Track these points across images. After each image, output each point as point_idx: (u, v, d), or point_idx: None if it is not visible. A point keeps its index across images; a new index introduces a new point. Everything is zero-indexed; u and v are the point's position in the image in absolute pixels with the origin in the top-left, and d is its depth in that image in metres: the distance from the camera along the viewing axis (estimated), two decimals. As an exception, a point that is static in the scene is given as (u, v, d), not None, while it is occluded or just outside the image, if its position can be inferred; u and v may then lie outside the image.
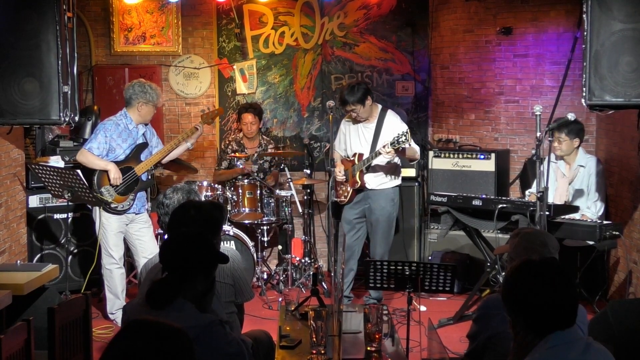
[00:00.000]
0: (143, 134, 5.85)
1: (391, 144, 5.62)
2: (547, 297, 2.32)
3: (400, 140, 5.58)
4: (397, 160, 6.02)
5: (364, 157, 5.91)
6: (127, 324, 2.04)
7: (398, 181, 6.10)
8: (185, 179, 7.46)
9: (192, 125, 6.18)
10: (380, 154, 5.71)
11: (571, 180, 6.08)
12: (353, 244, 6.05)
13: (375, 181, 6.00)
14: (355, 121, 6.01)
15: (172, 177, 7.61)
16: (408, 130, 5.65)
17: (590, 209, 5.97)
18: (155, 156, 5.84)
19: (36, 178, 5.89)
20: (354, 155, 6.00)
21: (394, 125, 5.96)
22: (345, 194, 6.07)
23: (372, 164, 5.91)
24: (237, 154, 6.89)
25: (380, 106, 6.10)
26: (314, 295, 4.21)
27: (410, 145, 5.72)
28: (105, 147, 5.66)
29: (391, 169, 6.01)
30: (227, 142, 7.24)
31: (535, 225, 5.13)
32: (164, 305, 2.76)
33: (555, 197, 6.03)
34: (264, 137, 7.32)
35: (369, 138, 5.99)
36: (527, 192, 6.33)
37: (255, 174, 6.92)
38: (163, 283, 2.82)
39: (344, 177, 6.04)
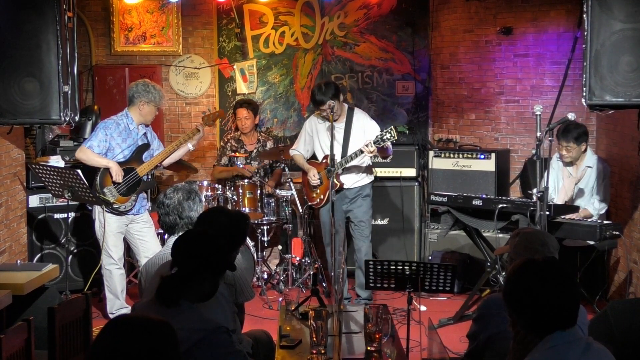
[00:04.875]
0: (144, 135, 5.85)
1: (375, 143, 5.62)
2: (548, 297, 2.33)
3: (385, 137, 5.58)
4: (369, 160, 6.00)
5: (343, 158, 5.85)
6: (108, 321, 2.07)
7: (372, 177, 6.13)
8: (186, 179, 7.46)
9: (194, 127, 6.15)
10: (362, 152, 5.70)
11: (578, 180, 6.07)
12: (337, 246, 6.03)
13: (350, 180, 6.01)
14: (327, 119, 5.90)
15: (172, 177, 7.62)
16: (392, 127, 5.64)
17: (594, 204, 5.97)
18: (157, 157, 5.84)
19: (36, 178, 5.89)
20: (325, 157, 5.97)
21: (364, 123, 5.99)
22: (321, 196, 6.07)
23: (349, 165, 5.90)
24: (237, 153, 6.88)
25: (346, 105, 6.12)
26: (314, 295, 4.21)
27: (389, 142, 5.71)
28: (105, 145, 5.66)
29: (365, 168, 6.04)
30: (227, 139, 7.24)
31: (535, 225, 5.13)
32: (174, 302, 2.76)
33: (560, 196, 6.03)
34: (262, 133, 7.32)
35: (340, 138, 5.97)
36: (534, 194, 6.30)
37: (256, 173, 6.92)
38: (172, 279, 2.82)
39: (319, 181, 6.03)
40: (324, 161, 6.02)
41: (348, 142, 5.96)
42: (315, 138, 6.11)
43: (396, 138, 5.65)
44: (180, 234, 3.81)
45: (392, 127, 5.65)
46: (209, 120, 6.31)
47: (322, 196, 6.08)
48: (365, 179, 6.08)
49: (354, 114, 6.04)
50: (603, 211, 6.01)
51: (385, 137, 5.60)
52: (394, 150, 6.09)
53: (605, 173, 6.05)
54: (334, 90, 5.87)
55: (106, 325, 2.05)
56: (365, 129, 5.96)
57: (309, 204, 6.33)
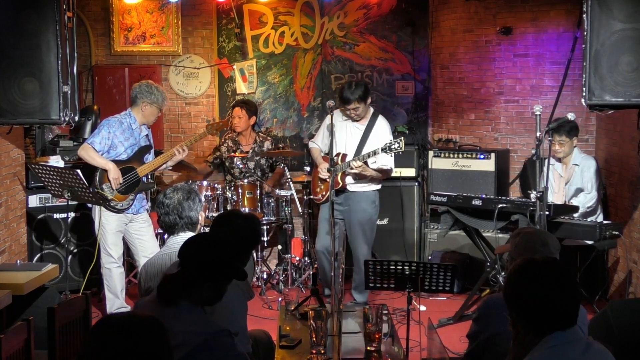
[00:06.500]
0: (146, 136, 5.86)
1: (382, 150, 5.61)
2: (549, 296, 2.32)
3: (393, 147, 5.56)
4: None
5: (356, 157, 5.81)
6: (96, 322, 2.07)
7: (379, 186, 6.07)
8: (185, 179, 7.45)
9: (174, 148, 6.03)
10: (376, 153, 5.68)
11: (567, 180, 6.10)
12: (330, 244, 5.99)
13: (357, 183, 5.96)
14: (350, 118, 5.93)
15: (172, 177, 7.61)
16: (402, 138, 5.62)
17: (579, 198, 5.98)
18: (158, 160, 5.84)
19: (36, 178, 5.89)
20: (337, 154, 5.91)
21: (383, 132, 5.94)
22: (324, 192, 6.03)
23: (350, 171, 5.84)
24: (236, 154, 6.88)
25: (372, 109, 6.08)
26: (313, 295, 4.21)
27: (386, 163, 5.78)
28: (107, 143, 5.67)
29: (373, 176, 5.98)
30: (224, 140, 7.24)
31: (535, 225, 5.13)
32: (172, 301, 2.75)
33: (553, 198, 6.04)
34: (260, 133, 7.30)
35: (357, 139, 5.94)
36: (532, 195, 6.31)
37: (252, 171, 6.92)
38: (173, 278, 2.81)
39: (328, 175, 5.98)
40: (335, 158, 5.99)
41: (364, 145, 5.90)
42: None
43: (403, 149, 5.63)
44: (180, 234, 3.82)
45: (402, 138, 5.61)
46: (213, 129, 6.33)
47: (324, 192, 6.05)
48: (372, 185, 6.01)
49: (377, 120, 5.99)
50: (590, 204, 5.99)
51: (393, 147, 5.57)
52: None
53: (590, 167, 6.06)
54: (362, 91, 5.83)
55: (94, 326, 2.06)
56: (381, 139, 5.86)
57: (312, 197, 6.29)
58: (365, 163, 5.78)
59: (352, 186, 5.96)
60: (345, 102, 5.85)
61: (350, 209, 5.99)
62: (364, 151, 5.88)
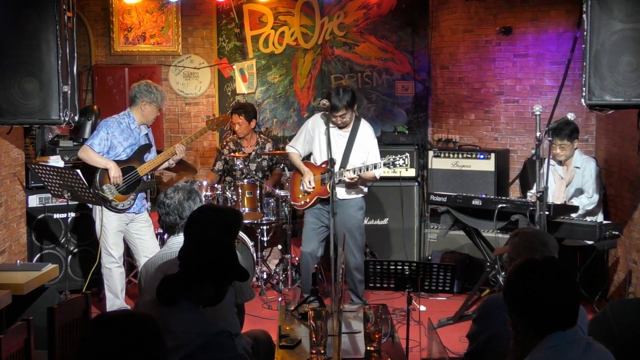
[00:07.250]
0: (146, 135, 5.86)
1: (385, 164, 5.58)
2: (549, 296, 2.32)
3: (397, 163, 5.52)
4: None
5: (351, 169, 5.69)
6: (90, 321, 2.08)
7: (365, 189, 5.99)
8: (185, 179, 7.46)
9: (175, 145, 6.03)
10: (376, 167, 5.63)
11: (568, 182, 6.10)
12: (318, 247, 5.96)
13: (343, 191, 5.86)
14: (336, 125, 5.80)
15: (172, 177, 7.62)
16: (407, 155, 5.59)
17: (580, 199, 5.98)
18: (158, 158, 5.84)
19: (36, 178, 5.89)
20: (325, 162, 5.76)
21: (368, 137, 5.87)
22: (307, 199, 5.92)
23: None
24: (237, 154, 6.88)
25: (354, 114, 5.94)
26: (313, 295, 4.21)
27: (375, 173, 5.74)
28: (106, 143, 5.67)
29: (360, 183, 5.92)
30: (225, 142, 7.22)
31: (535, 225, 5.13)
32: (170, 301, 2.75)
33: (553, 199, 6.04)
34: (261, 135, 7.29)
35: (342, 146, 5.83)
36: (528, 194, 6.32)
37: (253, 173, 6.92)
38: (172, 278, 2.82)
39: (312, 189, 5.87)
40: (323, 165, 5.86)
41: (350, 152, 5.82)
42: (315, 139, 5.94)
43: (408, 167, 5.60)
44: (180, 234, 3.82)
45: (407, 155, 5.58)
46: (213, 125, 6.30)
47: (307, 199, 5.92)
48: (358, 194, 5.93)
49: (360, 125, 5.88)
50: (590, 207, 5.99)
51: (397, 163, 5.53)
52: (394, 149, 6.05)
53: (591, 169, 6.06)
54: (349, 98, 5.68)
55: (89, 324, 2.07)
56: (366, 143, 5.83)
57: (292, 203, 6.17)
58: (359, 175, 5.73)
59: (340, 194, 5.81)
60: (333, 109, 5.68)
61: (338, 217, 5.88)
62: (351, 157, 5.81)
